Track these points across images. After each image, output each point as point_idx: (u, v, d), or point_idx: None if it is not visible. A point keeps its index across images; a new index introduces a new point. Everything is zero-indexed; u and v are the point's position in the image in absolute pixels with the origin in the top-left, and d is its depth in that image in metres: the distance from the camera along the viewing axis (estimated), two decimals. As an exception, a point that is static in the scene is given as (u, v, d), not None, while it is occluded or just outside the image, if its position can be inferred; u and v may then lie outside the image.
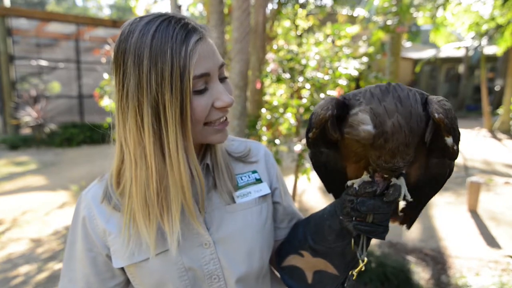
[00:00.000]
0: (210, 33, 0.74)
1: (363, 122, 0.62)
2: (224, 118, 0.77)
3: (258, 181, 0.88)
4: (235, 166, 0.88)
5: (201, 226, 0.75)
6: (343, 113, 0.66)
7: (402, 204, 0.78)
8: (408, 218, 0.82)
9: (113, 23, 11.21)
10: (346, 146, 0.70)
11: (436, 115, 0.61)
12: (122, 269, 0.81)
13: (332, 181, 0.82)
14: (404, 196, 0.67)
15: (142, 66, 0.65)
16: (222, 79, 0.76)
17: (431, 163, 0.72)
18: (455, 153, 0.67)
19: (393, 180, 0.67)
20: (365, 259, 0.72)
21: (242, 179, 0.86)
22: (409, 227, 0.81)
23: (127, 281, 0.84)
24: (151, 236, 0.72)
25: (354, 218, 0.69)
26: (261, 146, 0.95)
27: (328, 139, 0.72)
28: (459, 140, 0.66)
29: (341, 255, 0.76)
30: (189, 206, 0.72)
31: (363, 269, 0.73)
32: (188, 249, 0.77)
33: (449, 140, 0.64)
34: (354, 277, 0.74)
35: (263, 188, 0.87)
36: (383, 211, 0.67)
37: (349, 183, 0.72)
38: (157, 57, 0.65)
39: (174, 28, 0.67)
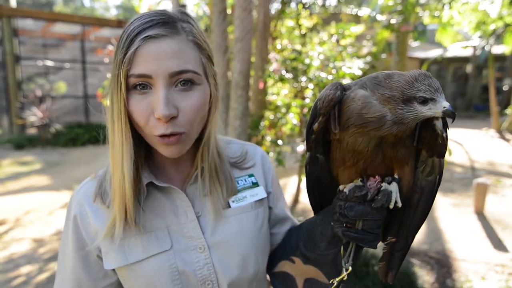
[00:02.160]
0: (188, 35, 0.69)
1: (358, 94, 0.62)
2: (175, 132, 0.68)
3: (255, 185, 0.87)
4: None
5: (133, 210, 0.73)
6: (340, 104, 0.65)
7: (382, 247, 0.73)
8: (389, 267, 0.72)
9: (118, 23, 11.28)
10: (345, 146, 0.66)
11: None
12: (114, 269, 0.79)
13: (323, 201, 0.79)
14: (395, 202, 0.64)
15: (112, 60, 0.70)
16: (186, 86, 0.68)
17: (418, 171, 0.69)
18: (444, 143, 0.64)
19: (384, 186, 0.65)
20: (350, 268, 0.69)
21: (238, 183, 0.85)
22: (392, 279, 0.71)
23: (120, 281, 0.82)
24: (119, 217, 0.73)
25: (344, 225, 0.67)
26: (258, 149, 0.94)
27: (327, 138, 0.70)
28: (447, 125, 0.64)
29: (333, 264, 0.74)
30: (126, 194, 0.71)
31: (345, 278, 0.70)
32: (183, 252, 0.76)
33: (439, 124, 0.63)
34: (333, 286, 0.71)
35: (260, 192, 0.86)
36: (372, 218, 0.64)
37: (340, 187, 0.70)
38: (116, 52, 0.68)
39: (139, 23, 0.67)
